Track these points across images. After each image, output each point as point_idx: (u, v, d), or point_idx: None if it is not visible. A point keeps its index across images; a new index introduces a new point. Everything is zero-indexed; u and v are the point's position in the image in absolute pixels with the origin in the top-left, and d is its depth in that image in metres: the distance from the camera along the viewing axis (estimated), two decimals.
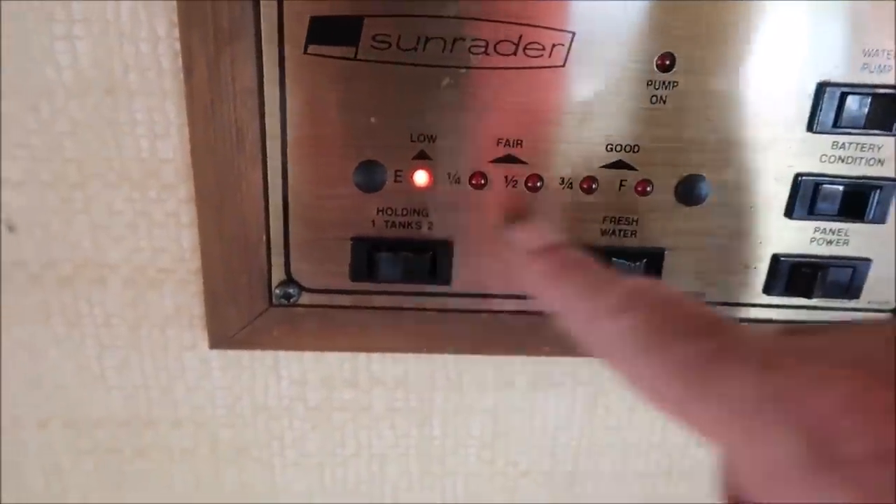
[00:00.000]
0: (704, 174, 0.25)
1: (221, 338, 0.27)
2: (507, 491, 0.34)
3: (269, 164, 0.24)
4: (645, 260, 0.26)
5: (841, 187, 0.25)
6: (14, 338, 0.29)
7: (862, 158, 0.25)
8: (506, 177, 0.25)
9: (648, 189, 0.25)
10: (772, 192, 0.25)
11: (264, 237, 0.25)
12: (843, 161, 0.25)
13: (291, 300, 0.26)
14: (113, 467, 0.32)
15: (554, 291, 0.21)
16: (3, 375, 0.30)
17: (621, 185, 0.25)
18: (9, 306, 0.28)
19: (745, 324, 0.17)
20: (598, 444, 0.33)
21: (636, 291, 0.19)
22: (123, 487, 0.32)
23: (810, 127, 0.25)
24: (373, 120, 0.24)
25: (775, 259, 0.26)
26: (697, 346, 0.16)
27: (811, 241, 0.26)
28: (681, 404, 0.16)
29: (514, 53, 0.23)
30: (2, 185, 0.26)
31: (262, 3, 0.22)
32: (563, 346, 0.28)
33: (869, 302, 0.27)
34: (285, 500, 0.33)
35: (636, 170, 0.25)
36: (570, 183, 0.25)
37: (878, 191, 0.25)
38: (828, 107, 0.24)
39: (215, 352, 0.29)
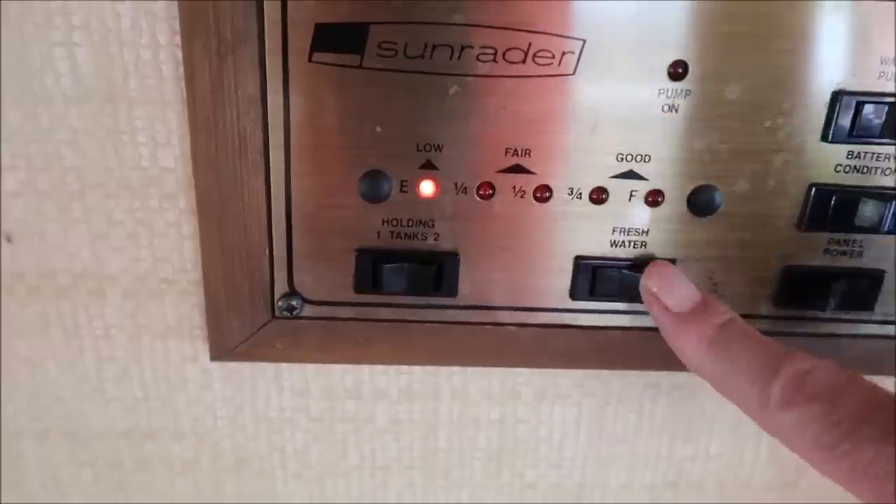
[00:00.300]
0: (717, 185, 0.25)
1: (223, 350, 0.27)
2: (513, 503, 0.33)
3: (272, 173, 0.24)
4: None
5: (856, 199, 0.25)
6: (12, 349, 0.28)
7: (878, 168, 0.25)
8: (513, 187, 0.24)
9: (659, 199, 0.25)
10: (785, 202, 0.25)
11: (267, 248, 0.25)
12: (858, 171, 0.25)
13: (294, 312, 0.25)
14: (113, 480, 0.32)
15: (716, 367, 0.21)
16: (2, 387, 0.29)
17: (631, 195, 0.25)
18: (7, 318, 0.28)
19: None
20: (606, 456, 0.32)
21: (802, 378, 0.19)
22: (123, 499, 0.32)
23: (825, 136, 0.24)
24: (378, 129, 0.23)
25: (788, 271, 0.26)
26: (883, 453, 0.16)
27: (825, 253, 0.26)
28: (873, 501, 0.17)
29: (524, 61, 0.23)
30: (0, 195, 0.26)
31: (265, 10, 0.22)
32: (570, 358, 0.28)
33: (883, 314, 0.27)
34: None
35: (647, 180, 0.24)
36: (580, 193, 0.25)
37: (893, 202, 0.24)
38: (843, 116, 0.24)
39: (216, 363, 0.29)
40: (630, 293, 0.25)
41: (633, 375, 0.31)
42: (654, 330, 0.27)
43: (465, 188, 0.24)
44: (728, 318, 0.22)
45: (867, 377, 0.20)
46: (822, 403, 0.18)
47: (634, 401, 0.31)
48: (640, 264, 0.25)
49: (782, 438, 0.19)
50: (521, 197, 0.24)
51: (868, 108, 0.23)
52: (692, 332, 0.22)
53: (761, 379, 0.20)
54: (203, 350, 0.29)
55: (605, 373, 0.30)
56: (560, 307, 0.26)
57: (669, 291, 0.23)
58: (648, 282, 0.24)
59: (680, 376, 0.30)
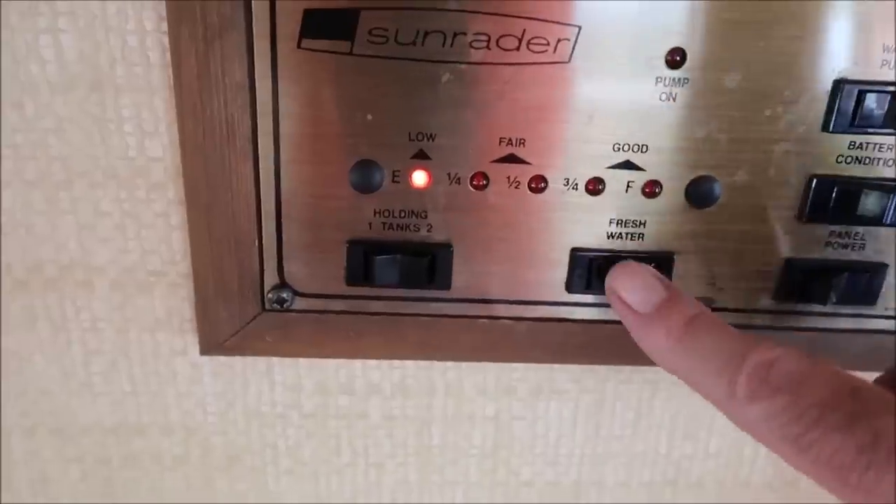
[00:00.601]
0: (715, 175, 0.24)
1: (212, 344, 0.26)
2: (509, 501, 0.32)
3: (261, 163, 0.23)
4: (653, 264, 0.25)
5: (858, 190, 0.24)
6: None
7: (880, 159, 0.24)
8: (508, 177, 0.24)
9: (657, 190, 0.24)
10: (785, 194, 0.24)
11: (256, 238, 0.24)
12: (859, 162, 0.24)
13: (285, 305, 0.25)
14: (101, 476, 0.31)
15: (684, 363, 0.21)
16: None
17: (629, 186, 0.24)
18: None
19: (880, 387, 0.18)
20: (603, 454, 0.32)
21: (766, 369, 0.18)
22: (112, 496, 0.31)
23: (826, 126, 0.23)
24: (369, 117, 0.23)
25: (788, 264, 0.25)
26: (843, 441, 0.16)
27: (826, 246, 0.25)
28: (838, 493, 0.16)
29: (518, 48, 0.22)
30: None
31: None
32: (565, 353, 0.27)
33: (885, 309, 0.26)
34: None
35: (644, 170, 0.24)
36: (576, 184, 0.24)
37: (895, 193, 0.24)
38: (845, 105, 0.23)
39: (206, 357, 0.28)
40: None
41: (631, 371, 0.30)
42: None
43: (459, 178, 0.24)
44: (694, 314, 0.21)
45: (868, 374, 0.19)
46: (785, 394, 0.17)
47: (632, 397, 0.30)
48: (637, 258, 0.25)
49: (752, 432, 0.19)
50: (516, 188, 0.24)
51: (870, 98, 0.23)
52: (659, 330, 0.21)
53: (728, 372, 0.19)
54: (193, 343, 0.28)
55: (602, 369, 0.30)
56: (556, 300, 0.26)
57: (633, 290, 0.22)
58: (613, 282, 0.23)
59: None
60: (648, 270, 0.23)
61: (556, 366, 0.29)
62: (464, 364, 0.29)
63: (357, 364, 0.29)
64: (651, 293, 0.22)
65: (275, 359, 0.29)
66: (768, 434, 0.18)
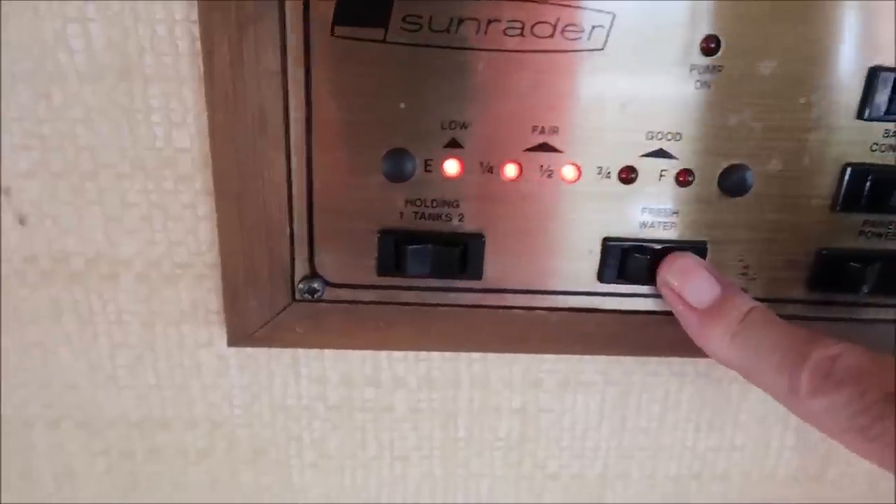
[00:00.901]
0: (749, 164, 0.24)
1: (241, 335, 0.26)
2: (535, 494, 0.32)
3: (292, 151, 0.23)
4: None
5: (893, 178, 0.24)
6: (24, 335, 0.28)
7: None
8: (541, 166, 0.24)
9: (690, 179, 0.24)
10: (819, 182, 0.24)
11: (287, 227, 0.24)
12: (894, 150, 0.24)
13: (315, 295, 0.25)
14: (126, 469, 0.31)
15: (743, 360, 0.21)
16: (13, 374, 0.29)
17: (661, 174, 0.24)
18: (19, 303, 0.27)
19: None
20: (629, 447, 0.31)
21: (829, 364, 0.19)
22: (137, 489, 0.31)
23: (861, 114, 0.23)
24: (402, 106, 0.23)
25: (821, 253, 0.25)
26: None
27: (860, 235, 0.25)
28: None
29: (552, 36, 0.22)
30: (11, 176, 0.25)
31: None
32: (595, 343, 0.27)
33: None
34: (304, 503, 0.32)
35: (677, 159, 0.24)
36: (608, 172, 0.24)
37: None
38: (880, 93, 0.23)
39: (232, 349, 0.28)
40: None
41: (657, 363, 0.30)
42: None
43: (491, 167, 0.24)
44: (750, 309, 0.22)
45: None
46: (850, 388, 0.18)
47: (659, 389, 0.30)
48: (670, 247, 0.25)
49: (815, 424, 0.20)
50: (549, 176, 0.24)
51: None
52: (716, 328, 0.22)
53: (789, 368, 0.20)
54: (219, 335, 0.28)
55: (628, 361, 0.30)
56: (587, 290, 0.26)
57: (689, 286, 0.23)
58: (667, 276, 0.24)
59: (705, 364, 0.30)
60: (702, 264, 0.24)
61: (583, 358, 0.29)
62: (490, 356, 0.29)
63: (383, 356, 0.29)
64: (707, 288, 0.23)
65: (300, 351, 0.29)
66: (833, 425, 0.19)
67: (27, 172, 0.25)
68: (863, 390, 0.18)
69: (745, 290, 0.25)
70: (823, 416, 0.19)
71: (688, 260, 0.24)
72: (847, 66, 0.23)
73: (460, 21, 0.22)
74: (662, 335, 0.26)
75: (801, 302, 0.26)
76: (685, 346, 0.24)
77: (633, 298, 0.26)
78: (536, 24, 0.22)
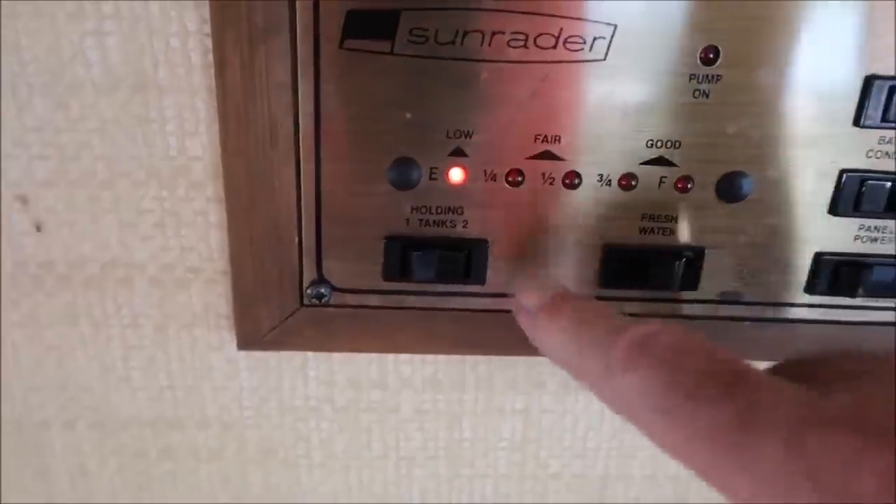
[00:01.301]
0: (746, 171, 0.24)
1: (251, 339, 0.27)
2: (538, 494, 0.33)
3: (301, 160, 0.24)
4: (684, 259, 0.25)
5: (888, 184, 0.24)
6: (40, 338, 0.29)
7: None
8: (543, 174, 0.24)
9: (689, 186, 0.25)
10: (815, 188, 0.25)
11: (296, 236, 0.25)
12: (890, 157, 0.24)
13: (323, 300, 0.25)
14: (139, 469, 0.32)
15: (563, 350, 0.20)
16: (30, 376, 0.29)
17: (661, 181, 0.25)
18: (36, 307, 0.28)
19: (759, 368, 0.17)
20: (631, 447, 0.32)
21: (645, 340, 0.17)
22: (149, 489, 0.32)
23: (857, 121, 0.24)
24: (408, 116, 0.23)
25: (818, 257, 0.26)
26: (719, 410, 0.15)
27: (855, 239, 0.26)
28: (707, 471, 0.15)
29: (555, 47, 0.22)
30: (29, 184, 0.26)
31: None
32: None
33: None
34: (311, 502, 0.33)
35: (677, 166, 0.24)
36: (609, 180, 0.24)
37: None
38: (876, 101, 0.23)
39: (242, 352, 0.29)
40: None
41: None
42: (680, 317, 0.27)
43: (495, 175, 0.24)
44: (558, 293, 0.21)
45: None
46: (664, 365, 0.16)
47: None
48: (669, 252, 0.25)
49: (623, 407, 0.18)
50: (551, 184, 0.24)
51: None
52: (541, 320, 0.21)
53: (605, 343, 0.18)
54: (228, 339, 0.29)
55: None
56: (589, 294, 0.26)
57: (522, 291, 0.23)
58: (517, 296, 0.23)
59: None
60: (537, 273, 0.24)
61: None
62: (494, 359, 0.30)
63: (389, 359, 0.30)
64: (537, 291, 0.22)
65: (309, 354, 0.29)
66: (641, 406, 0.17)
67: (45, 181, 0.26)
68: (676, 367, 0.16)
69: (739, 294, 0.26)
70: (632, 394, 0.17)
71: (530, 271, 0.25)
72: (844, 74, 0.23)
73: (465, 33, 0.22)
74: None
75: (799, 305, 0.26)
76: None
77: (632, 303, 0.26)
78: (539, 35, 0.22)
